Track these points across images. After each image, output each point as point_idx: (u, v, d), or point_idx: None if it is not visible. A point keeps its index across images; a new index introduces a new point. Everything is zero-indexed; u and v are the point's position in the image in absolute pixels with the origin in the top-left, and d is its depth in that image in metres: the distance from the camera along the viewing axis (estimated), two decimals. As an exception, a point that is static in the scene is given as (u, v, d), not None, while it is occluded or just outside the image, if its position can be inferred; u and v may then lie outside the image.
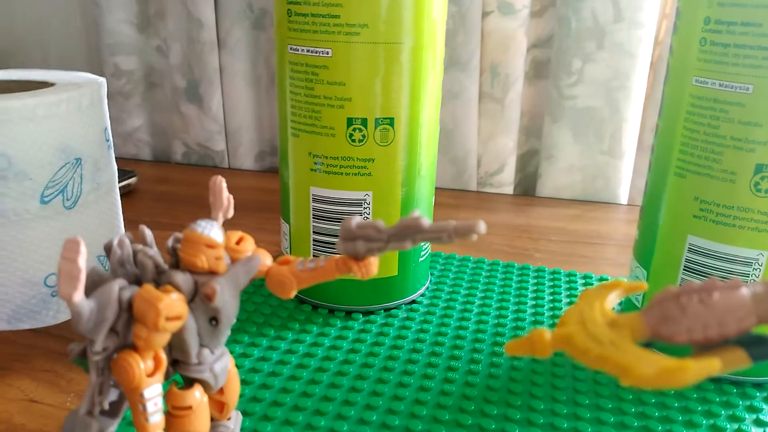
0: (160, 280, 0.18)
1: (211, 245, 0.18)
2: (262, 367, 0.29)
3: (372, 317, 0.33)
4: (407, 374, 0.29)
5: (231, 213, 0.20)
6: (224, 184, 0.20)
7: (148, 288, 0.17)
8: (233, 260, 0.19)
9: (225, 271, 0.18)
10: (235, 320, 0.19)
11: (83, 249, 0.16)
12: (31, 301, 0.31)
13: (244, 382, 0.27)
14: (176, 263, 0.19)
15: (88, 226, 0.32)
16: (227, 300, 0.18)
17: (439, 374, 0.29)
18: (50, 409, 0.26)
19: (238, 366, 0.29)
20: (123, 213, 0.49)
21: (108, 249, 0.18)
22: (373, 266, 0.19)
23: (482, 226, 0.17)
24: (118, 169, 0.55)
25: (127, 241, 0.18)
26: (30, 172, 0.29)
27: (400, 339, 0.31)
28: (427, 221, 0.18)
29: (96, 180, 0.32)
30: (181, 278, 0.18)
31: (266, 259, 0.20)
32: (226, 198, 0.20)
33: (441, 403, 0.27)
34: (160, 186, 0.56)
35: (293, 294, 0.19)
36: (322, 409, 0.26)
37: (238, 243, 0.19)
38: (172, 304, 0.17)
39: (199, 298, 0.18)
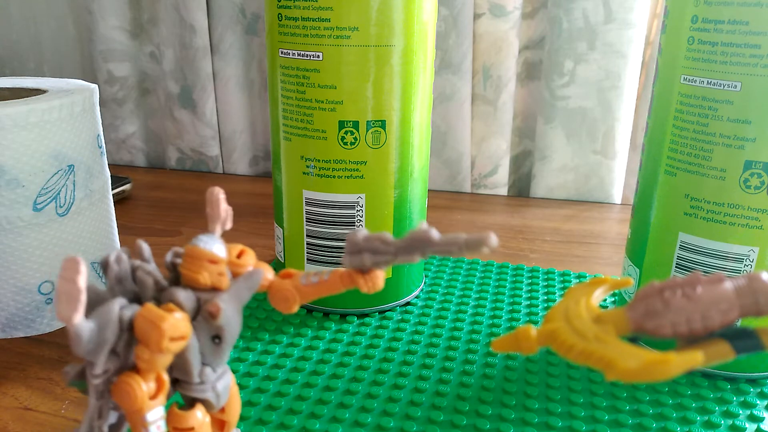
0: (160, 297, 0.18)
1: (214, 261, 0.17)
2: (257, 371, 0.29)
3: (367, 320, 0.33)
4: (402, 376, 0.29)
5: (229, 225, 0.19)
6: (222, 196, 0.19)
7: (150, 307, 0.16)
8: (234, 274, 0.19)
9: (228, 287, 0.18)
10: (238, 337, 0.18)
11: (83, 268, 0.15)
12: (25, 309, 0.31)
13: (239, 386, 0.27)
14: (176, 279, 0.19)
15: (82, 233, 0.32)
16: (230, 317, 0.18)
17: (433, 375, 0.29)
18: (45, 416, 0.26)
19: (233, 371, 0.29)
20: (118, 219, 0.49)
21: (105, 265, 0.17)
22: (379, 279, 0.18)
23: (493, 239, 0.16)
24: (112, 175, 0.55)
25: (124, 257, 0.18)
26: (22, 179, 0.29)
27: (394, 341, 0.31)
28: (437, 234, 0.17)
29: (89, 187, 0.32)
30: (184, 296, 0.17)
31: (268, 274, 0.19)
32: (224, 210, 0.19)
33: (436, 404, 0.27)
34: (154, 192, 0.56)
35: (296, 309, 0.19)
36: (317, 412, 0.26)
37: (239, 256, 0.19)
38: (176, 324, 0.16)
39: (201, 316, 0.17)
